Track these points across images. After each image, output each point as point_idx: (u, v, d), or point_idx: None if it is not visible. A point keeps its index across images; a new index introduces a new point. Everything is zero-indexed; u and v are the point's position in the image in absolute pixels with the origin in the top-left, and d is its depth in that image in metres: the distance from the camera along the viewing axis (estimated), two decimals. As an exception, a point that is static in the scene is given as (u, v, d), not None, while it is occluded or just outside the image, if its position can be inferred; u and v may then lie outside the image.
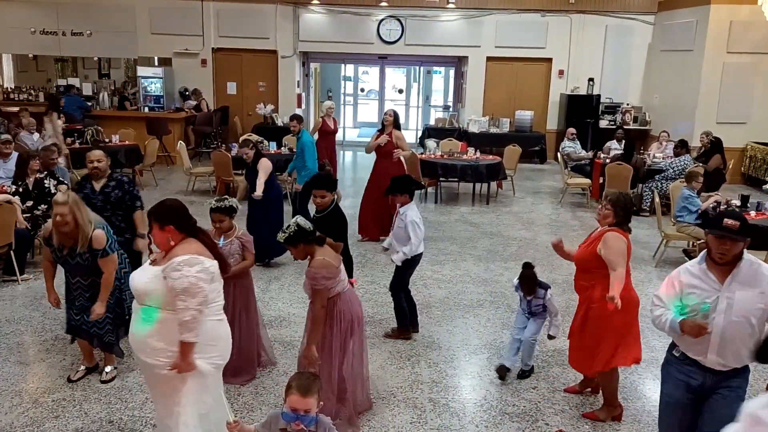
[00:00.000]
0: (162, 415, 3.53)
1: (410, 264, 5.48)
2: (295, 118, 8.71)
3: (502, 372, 4.97)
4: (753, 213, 7.58)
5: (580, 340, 4.43)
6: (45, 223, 5.52)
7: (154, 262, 3.39)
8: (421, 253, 5.50)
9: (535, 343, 4.99)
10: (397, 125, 8.50)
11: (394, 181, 5.42)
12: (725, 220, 3.09)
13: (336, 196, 5.22)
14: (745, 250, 3.16)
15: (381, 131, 8.54)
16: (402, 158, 8.67)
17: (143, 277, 3.34)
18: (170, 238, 3.32)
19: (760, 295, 3.07)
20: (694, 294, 3.18)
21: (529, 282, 4.87)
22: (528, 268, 4.90)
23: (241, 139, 7.35)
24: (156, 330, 3.27)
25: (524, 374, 5.04)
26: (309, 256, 4.02)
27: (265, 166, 7.29)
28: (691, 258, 7.95)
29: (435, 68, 20.02)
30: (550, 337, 4.96)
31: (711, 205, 7.86)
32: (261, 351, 4.99)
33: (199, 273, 3.23)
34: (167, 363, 3.28)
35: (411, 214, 5.30)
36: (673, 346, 3.42)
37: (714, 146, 10.46)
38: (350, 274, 5.94)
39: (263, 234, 6.86)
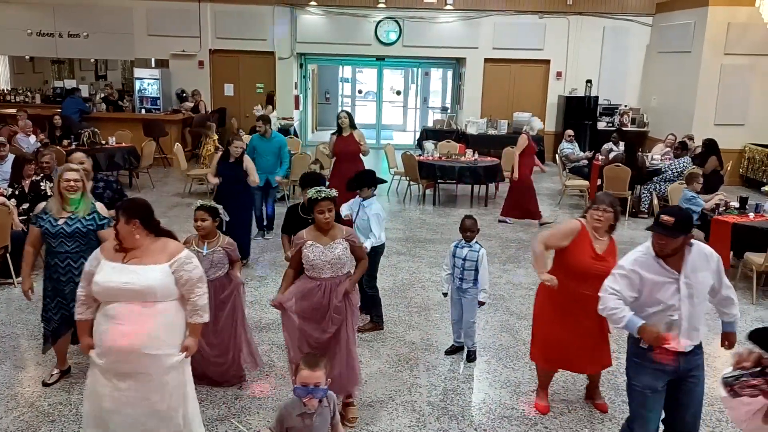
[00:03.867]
0: (151, 411, 3.47)
1: (378, 255, 5.80)
2: (261, 118, 8.58)
3: (451, 350, 5.44)
4: (752, 215, 7.55)
5: (594, 345, 4.42)
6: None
7: (120, 259, 3.40)
8: (384, 244, 5.83)
9: (473, 324, 5.28)
10: (353, 125, 8.55)
11: (360, 176, 5.71)
12: (662, 216, 3.29)
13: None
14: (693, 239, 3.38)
15: (338, 134, 8.50)
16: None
17: (153, 277, 3.37)
18: (134, 233, 3.41)
19: (710, 273, 3.40)
20: (654, 290, 3.33)
21: (469, 231, 5.14)
22: (469, 218, 5.24)
23: (234, 135, 7.28)
24: (166, 321, 3.45)
25: (470, 356, 5.32)
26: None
27: (252, 163, 7.49)
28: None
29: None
30: (480, 304, 5.16)
31: (713, 205, 7.83)
32: (251, 355, 4.88)
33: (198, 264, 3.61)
34: (175, 350, 3.48)
35: (376, 207, 5.60)
36: (637, 338, 3.45)
37: (709, 148, 10.46)
38: None
39: (235, 233, 6.97)
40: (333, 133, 8.69)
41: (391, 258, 7.92)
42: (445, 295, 5.40)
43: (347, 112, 8.67)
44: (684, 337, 3.34)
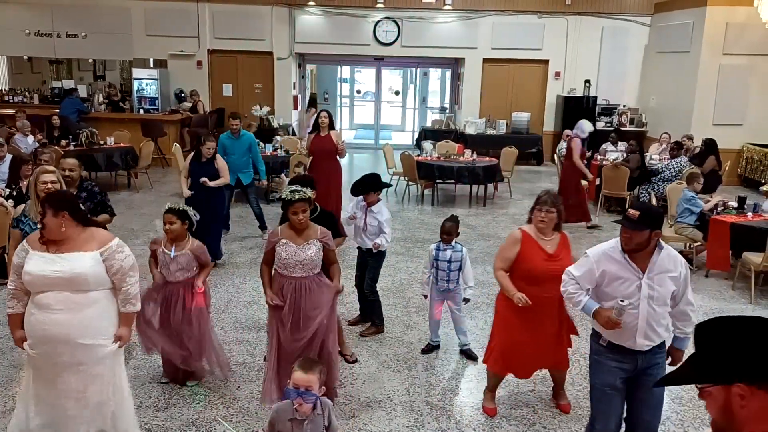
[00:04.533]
0: (89, 403, 3.53)
1: (381, 261, 5.68)
2: (238, 117, 8.63)
3: (428, 349, 5.44)
4: (750, 215, 7.56)
5: (552, 346, 4.39)
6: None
7: (45, 249, 3.41)
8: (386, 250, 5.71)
9: (463, 319, 5.37)
10: (332, 126, 8.60)
11: (366, 180, 5.49)
12: (629, 210, 3.34)
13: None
14: (661, 240, 3.38)
15: (315, 133, 8.52)
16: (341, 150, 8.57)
17: (83, 264, 3.40)
18: (63, 224, 3.42)
19: (674, 279, 3.38)
20: (615, 283, 3.36)
21: (447, 234, 5.14)
22: (450, 220, 5.23)
23: (206, 135, 7.17)
24: (99, 310, 3.49)
25: (470, 353, 5.36)
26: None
27: (225, 164, 7.47)
28: (687, 259, 7.95)
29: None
30: (466, 300, 5.23)
31: (713, 206, 7.83)
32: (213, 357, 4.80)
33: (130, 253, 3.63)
34: (108, 340, 3.53)
35: (386, 212, 5.51)
36: (597, 335, 3.52)
37: (708, 148, 10.46)
38: None
39: (210, 232, 6.96)
40: (310, 132, 8.72)
41: (389, 258, 7.88)
42: (425, 296, 5.39)
43: (328, 113, 8.69)
44: (641, 337, 3.36)
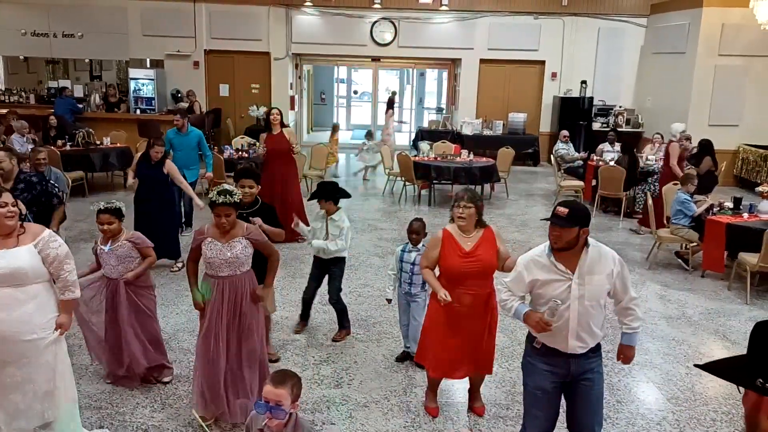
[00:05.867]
0: (38, 393, 3.56)
1: (344, 269, 5.60)
2: (179, 112, 8.55)
3: (402, 357, 5.27)
4: (746, 215, 7.58)
5: (481, 347, 4.32)
6: None
7: None
8: (346, 257, 5.59)
9: (420, 325, 5.04)
10: (283, 123, 8.55)
11: (324, 186, 5.40)
12: (557, 207, 3.29)
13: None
14: (589, 238, 3.32)
15: (268, 132, 8.52)
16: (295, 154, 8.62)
17: (21, 258, 3.46)
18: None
19: (607, 277, 3.31)
20: (546, 287, 3.31)
21: (416, 233, 5.02)
22: (418, 221, 5.10)
23: (154, 139, 7.09)
24: (38, 304, 3.53)
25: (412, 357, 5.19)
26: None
27: (175, 167, 7.27)
28: (683, 260, 7.99)
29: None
30: None
31: (705, 209, 7.85)
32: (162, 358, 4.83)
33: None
34: (49, 331, 3.57)
35: (346, 220, 5.39)
36: (531, 338, 3.48)
37: (704, 149, 10.48)
38: None
39: (164, 233, 6.80)
40: (263, 131, 8.72)
41: (386, 258, 7.91)
42: (389, 301, 5.31)
43: (279, 110, 8.67)
44: (573, 339, 3.31)
